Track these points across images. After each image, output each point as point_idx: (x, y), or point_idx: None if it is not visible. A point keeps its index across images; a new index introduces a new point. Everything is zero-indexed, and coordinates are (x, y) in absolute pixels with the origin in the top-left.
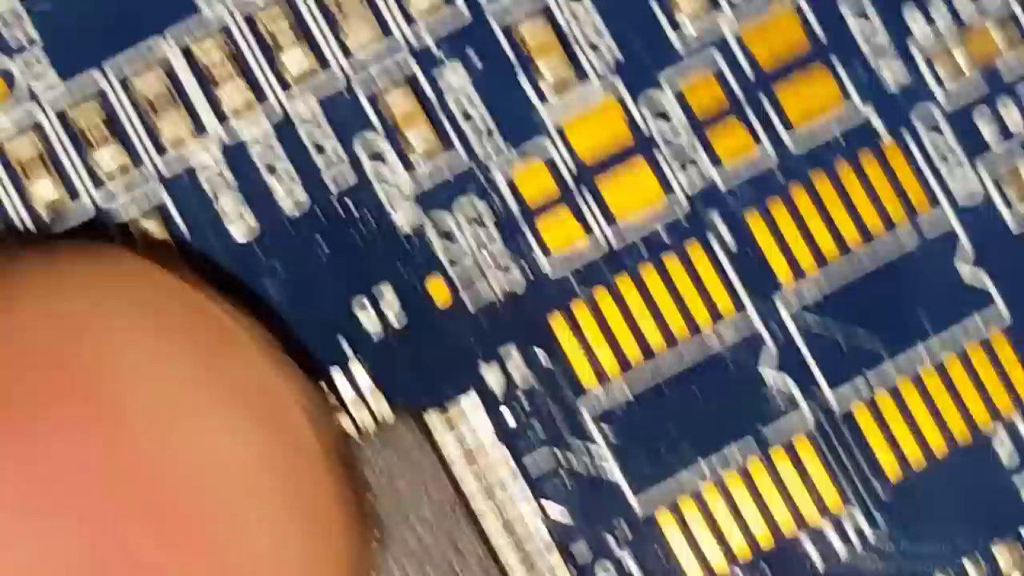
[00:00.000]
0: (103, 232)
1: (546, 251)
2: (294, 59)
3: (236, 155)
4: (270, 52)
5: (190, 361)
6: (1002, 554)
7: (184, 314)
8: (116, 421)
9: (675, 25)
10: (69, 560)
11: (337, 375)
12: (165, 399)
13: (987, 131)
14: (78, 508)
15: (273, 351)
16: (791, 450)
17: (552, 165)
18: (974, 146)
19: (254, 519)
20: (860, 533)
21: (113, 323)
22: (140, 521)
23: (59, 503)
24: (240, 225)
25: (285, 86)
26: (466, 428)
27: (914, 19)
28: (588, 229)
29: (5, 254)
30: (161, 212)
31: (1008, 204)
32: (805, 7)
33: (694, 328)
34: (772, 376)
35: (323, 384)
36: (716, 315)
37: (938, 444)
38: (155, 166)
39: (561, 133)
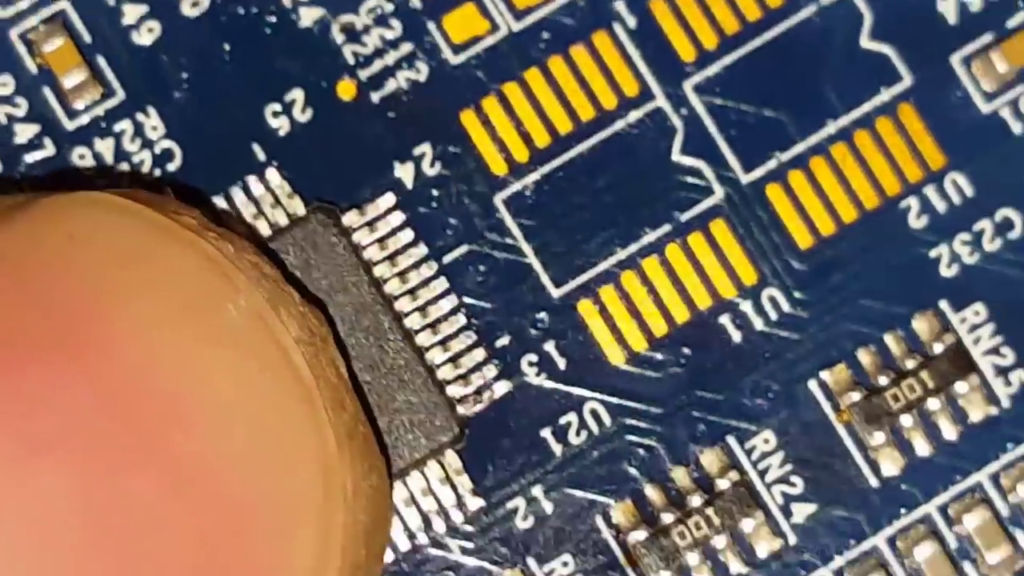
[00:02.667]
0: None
1: (451, 44)
2: None
3: None
4: None
5: (183, 302)
6: (922, 326)
7: (177, 256)
8: (105, 362)
9: None
10: (62, 501)
11: (253, 183)
12: (157, 340)
13: None
14: (69, 449)
15: (270, 285)
16: (707, 232)
17: None
18: None
19: (253, 458)
20: (774, 303)
21: (102, 266)
22: (133, 460)
23: (49, 445)
24: (142, 29)
25: None
26: (384, 228)
27: None
28: (492, 21)
29: None
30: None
31: None
32: None
33: (605, 117)
34: (686, 161)
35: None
36: (626, 104)
37: (848, 212)
38: None
39: None
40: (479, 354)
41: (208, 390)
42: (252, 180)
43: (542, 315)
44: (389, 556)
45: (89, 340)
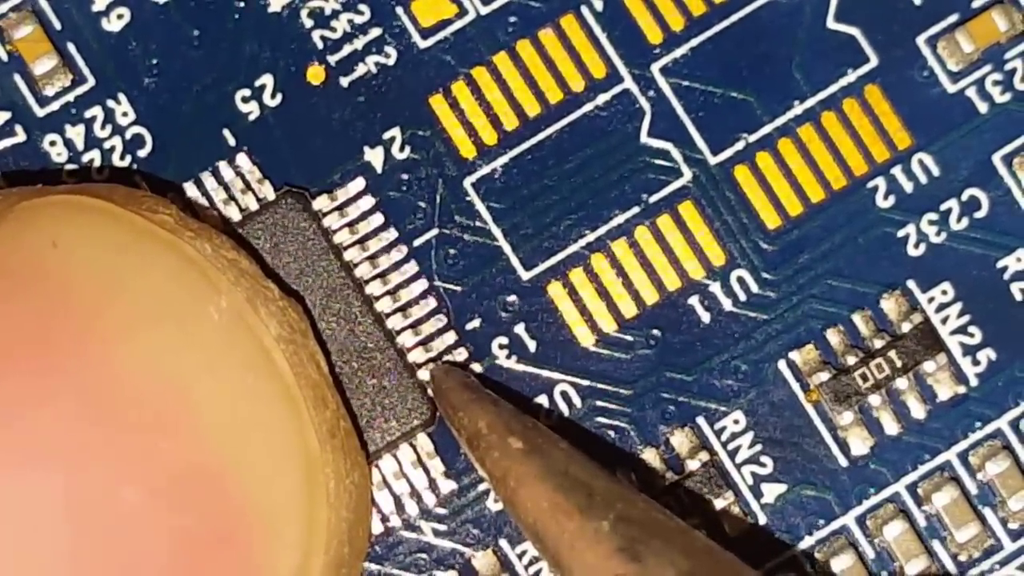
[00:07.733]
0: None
1: (420, 28)
2: None
3: None
4: None
5: (165, 307)
6: (889, 306)
7: (158, 259)
8: (89, 369)
9: None
10: (49, 510)
11: (224, 167)
12: (141, 346)
13: None
14: (55, 458)
15: (249, 283)
16: (675, 214)
17: None
18: None
19: (237, 460)
20: (743, 283)
21: (85, 272)
22: (119, 467)
23: (35, 454)
24: (111, 16)
25: None
26: (354, 212)
27: None
28: (460, 5)
29: None
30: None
31: None
32: None
33: (574, 100)
34: (654, 143)
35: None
36: (594, 87)
37: (815, 193)
38: None
39: None
40: (450, 337)
41: (191, 394)
42: (222, 165)
43: (512, 298)
44: None
45: (73, 348)
